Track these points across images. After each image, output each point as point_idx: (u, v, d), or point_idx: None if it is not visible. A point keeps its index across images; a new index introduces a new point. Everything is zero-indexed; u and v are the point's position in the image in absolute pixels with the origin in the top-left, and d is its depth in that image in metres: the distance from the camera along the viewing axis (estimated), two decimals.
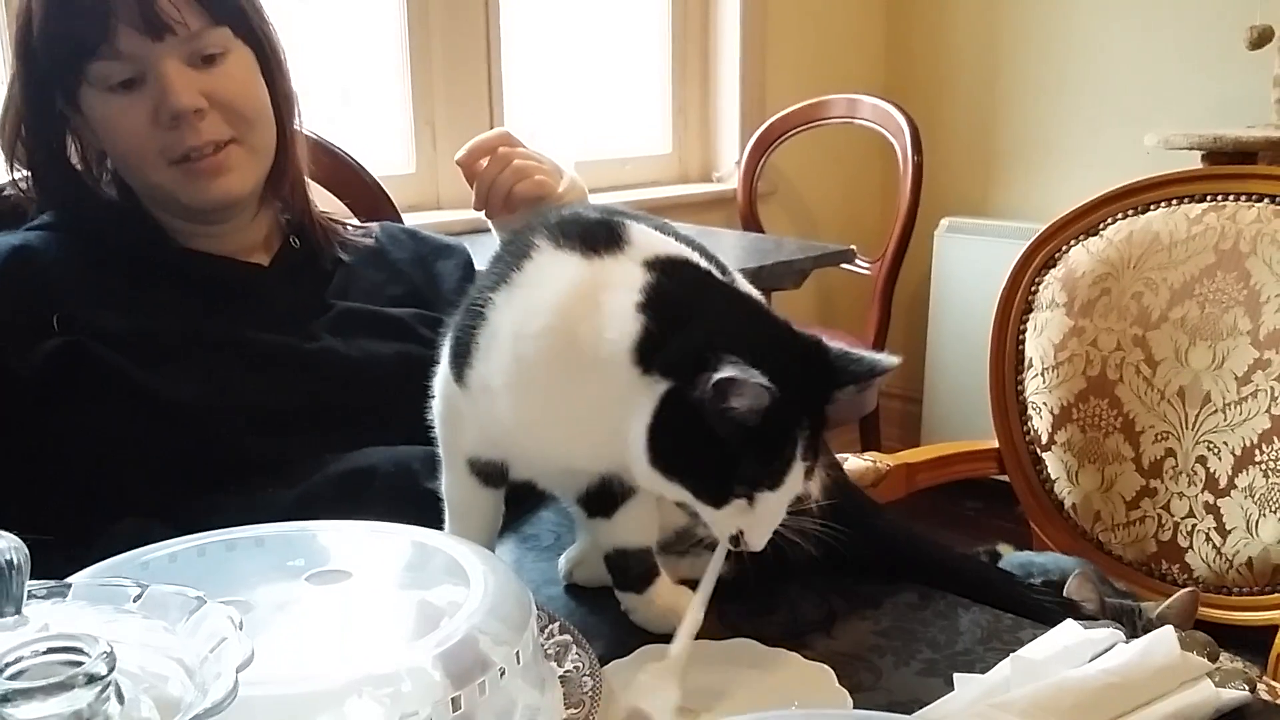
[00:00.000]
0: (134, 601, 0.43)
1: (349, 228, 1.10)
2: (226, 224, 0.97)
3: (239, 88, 0.91)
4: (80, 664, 0.33)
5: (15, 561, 0.37)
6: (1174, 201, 1.32)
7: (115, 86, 0.87)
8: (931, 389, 2.74)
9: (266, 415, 0.90)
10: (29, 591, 0.42)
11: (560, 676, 0.62)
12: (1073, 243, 1.36)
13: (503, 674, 0.52)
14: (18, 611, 0.38)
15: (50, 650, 0.34)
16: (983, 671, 0.67)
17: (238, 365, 0.91)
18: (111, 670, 0.32)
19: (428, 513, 0.75)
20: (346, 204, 1.40)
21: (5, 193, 0.99)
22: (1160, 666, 0.65)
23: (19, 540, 0.38)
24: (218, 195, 0.92)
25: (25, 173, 0.96)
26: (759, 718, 0.55)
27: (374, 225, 1.14)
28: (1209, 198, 1.30)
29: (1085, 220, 1.36)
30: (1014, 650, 0.67)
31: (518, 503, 0.92)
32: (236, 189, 0.93)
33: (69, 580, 0.45)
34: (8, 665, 0.33)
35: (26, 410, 0.86)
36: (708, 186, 2.65)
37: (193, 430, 0.87)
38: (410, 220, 1.39)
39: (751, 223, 2.52)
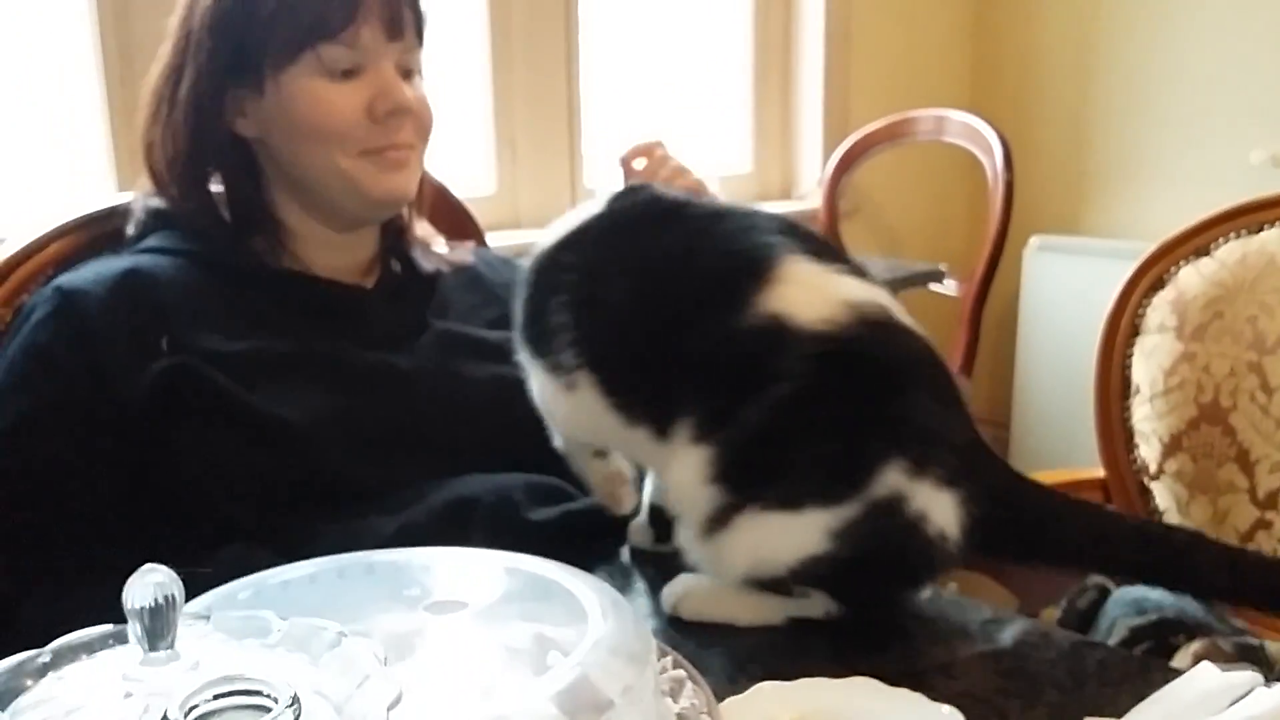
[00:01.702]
0: (276, 633, 0.43)
1: (446, 249, 1.11)
2: (360, 232, 1.01)
3: (427, 103, 0.98)
4: (264, 709, 0.32)
5: (172, 596, 0.37)
6: None
7: (336, 72, 0.92)
8: (1021, 415, 2.67)
9: (366, 438, 0.90)
10: None
11: (676, 714, 0.61)
12: (1182, 263, 1.31)
13: (621, 712, 0.51)
14: (170, 647, 0.38)
15: (232, 693, 0.33)
16: (1114, 716, 0.64)
17: (340, 387, 0.92)
18: (298, 718, 0.32)
19: (530, 544, 0.75)
20: (433, 224, 1.41)
21: (125, 209, 1.01)
22: None
23: (174, 573, 0.38)
24: (396, 189, 0.97)
25: (145, 193, 0.99)
26: None
27: (469, 246, 1.15)
28: None
29: (1195, 241, 1.31)
30: (1145, 694, 0.64)
31: (617, 530, 0.91)
32: (410, 188, 0.99)
33: (207, 612, 0.45)
34: (192, 709, 0.33)
35: (136, 433, 0.87)
36: (789, 205, 2.62)
37: (295, 452, 0.87)
38: (491, 240, 1.40)
39: (834, 242, 2.49)
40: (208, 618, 0.44)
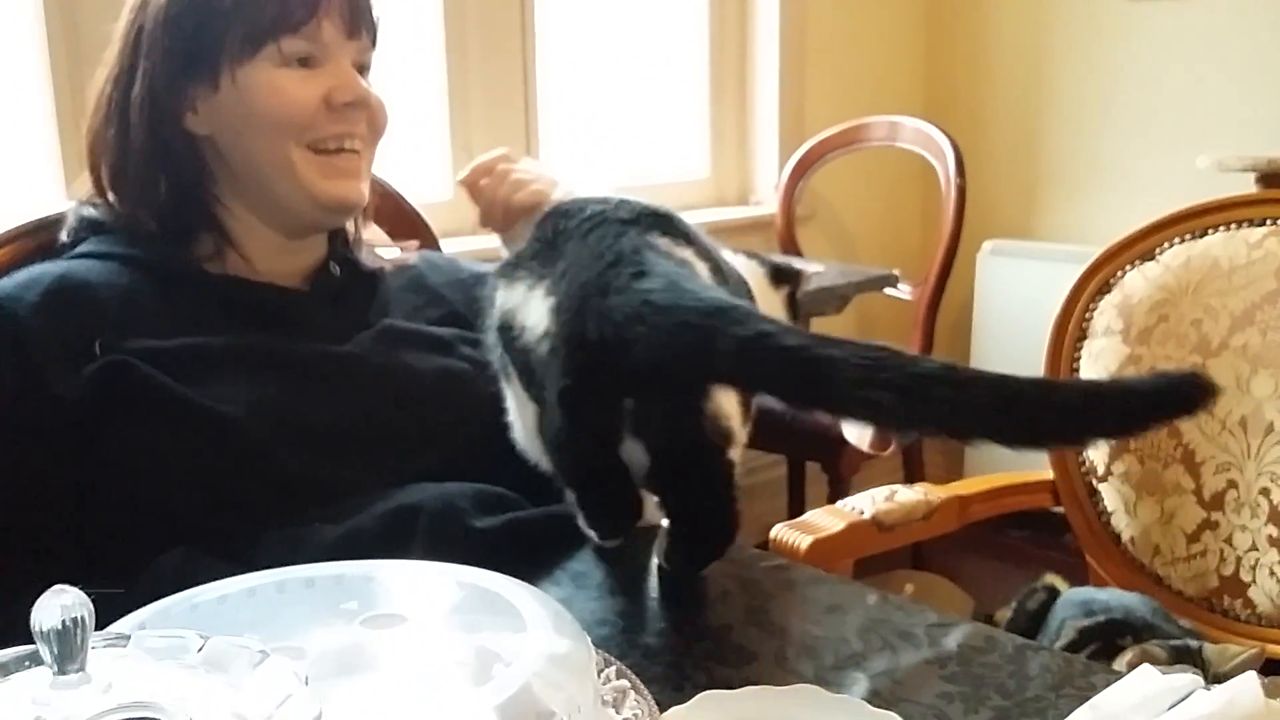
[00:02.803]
0: (196, 653, 0.42)
1: (392, 250, 1.10)
2: (307, 239, 1.00)
3: (382, 103, 0.99)
4: None
5: (81, 618, 0.36)
6: (1233, 226, 1.29)
7: (293, 62, 0.92)
8: None
9: (308, 431, 0.89)
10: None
11: None
12: (1128, 268, 1.33)
13: None
14: (81, 669, 0.37)
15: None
16: (1056, 719, 0.64)
17: (279, 379, 0.90)
18: None
19: (473, 553, 0.74)
20: (385, 230, 1.40)
21: (63, 219, 0.99)
22: (1245, 715, 0.62)
23: (84, 595, 0.37)
24: (346, 196, 0.96)
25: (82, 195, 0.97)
26: None
27: (413, 248, 1.14)
28: (1269, 221, 1.27)
29: (1141, 245, 1.33)
30: (1088, 697, 0.65)
31: (564, 538, 0.91)
32: (361, 197, 0.98)
33: (127, 631, 0.44)
34: None
35: (74, 437, 0.86)
36: (745, 210, 2.63)
37: (236, 447, 0.86)
38: (446, 245, 1.39)
39: (790, 247, 2.50)
40: (128, 638, 0.42)
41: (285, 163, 0.93)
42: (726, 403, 0.77)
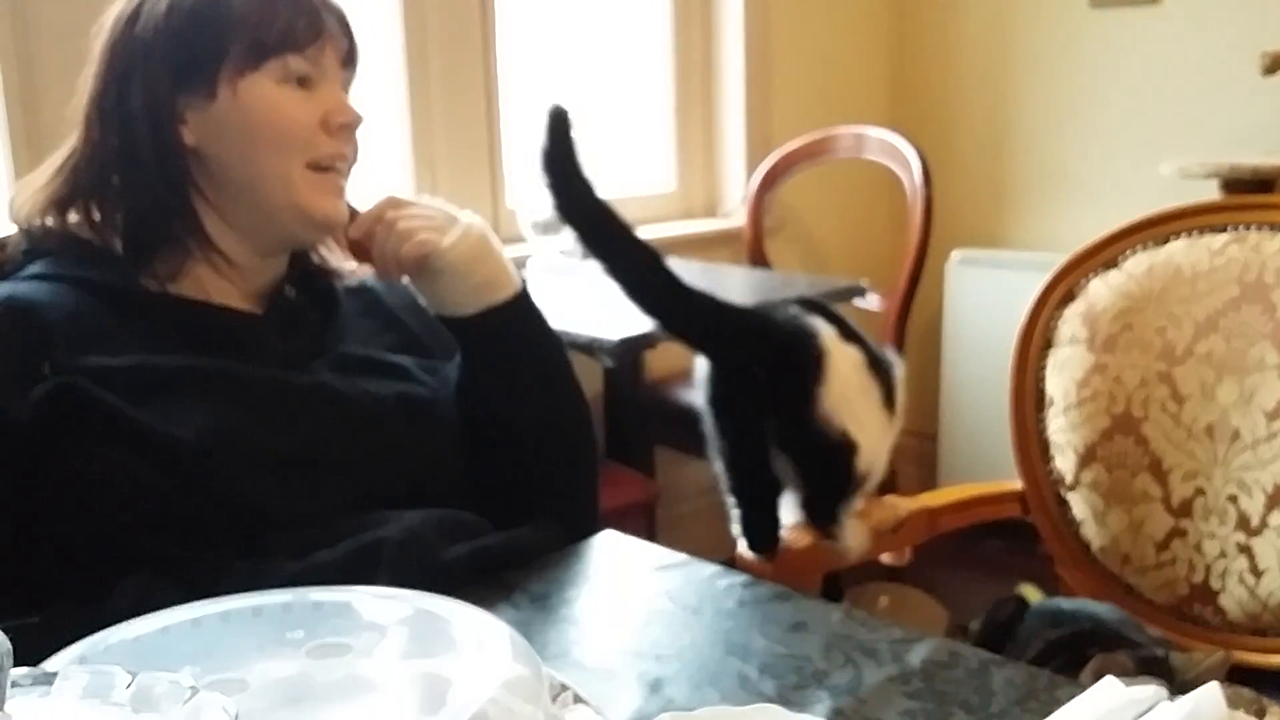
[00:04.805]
0: (125, 689, 0.40)
1: (345, 274, 1.09)
2: (268, 260, 0.99)
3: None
4: None
5: None
6: (1194, 232, 1.29)
7: (293, 80, 0.93)
8: (947, 425, 2.71)
9: (263, 457, 0.87)
10: (12, 682, 0.40)
11: None
12: (1092, 276, 1.33)
13: None
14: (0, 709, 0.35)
15: None
16: None
17: (234, 404, 0.89)
18: None
19: (439, 581, 0.73)
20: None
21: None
22: None
23: (1, 634, 0.35)
24: (333, 213, 0.97)
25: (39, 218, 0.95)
26: None
27: (368, 272, 1.13)
28: (1230, 228, 1.28)
29: (1104, 253, 1.33)
30: (1052, 711, 0.64)
31: (525, 561, 0.90)
32: (344, 215, 0.98)
33: (67, 664, 0.42)
34: None
35: (24, 461, 0.83)
36: (713, 223, 2.63)
37: (189, 473, 0.84)
38: None
39: (759, 259, 2.50)
40: (54, 676, 0.41)
41: (282, 177, 0.93)
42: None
